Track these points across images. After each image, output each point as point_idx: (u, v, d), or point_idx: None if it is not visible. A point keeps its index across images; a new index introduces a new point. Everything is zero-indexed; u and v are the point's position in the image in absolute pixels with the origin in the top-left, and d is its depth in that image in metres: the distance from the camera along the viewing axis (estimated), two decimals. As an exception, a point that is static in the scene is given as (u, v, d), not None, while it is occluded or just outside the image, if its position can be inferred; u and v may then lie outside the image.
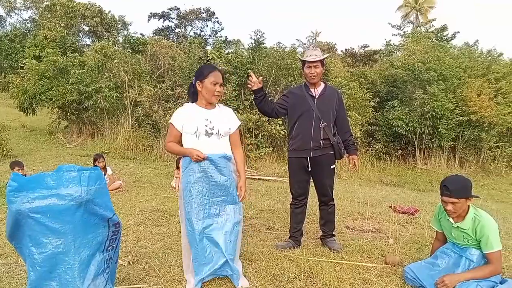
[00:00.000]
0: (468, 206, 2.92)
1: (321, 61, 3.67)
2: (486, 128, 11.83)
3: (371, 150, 12.01)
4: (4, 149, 8.89)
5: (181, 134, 2.92)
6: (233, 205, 2.96)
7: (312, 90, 3.73)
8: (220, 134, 2.91)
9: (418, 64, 12.12)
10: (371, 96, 11.99)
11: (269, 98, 3.76)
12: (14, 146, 9.66)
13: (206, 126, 2.87)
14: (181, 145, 2.95)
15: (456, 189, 2.83)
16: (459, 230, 2.96)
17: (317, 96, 3.71)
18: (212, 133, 2.88)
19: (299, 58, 4.30)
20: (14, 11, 25.34)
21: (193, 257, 2.87)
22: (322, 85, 3.79)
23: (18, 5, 24.87)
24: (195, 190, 2.81)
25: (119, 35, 18.45)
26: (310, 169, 3.71)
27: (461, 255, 2.99)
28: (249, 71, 3.70)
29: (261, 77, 3.62)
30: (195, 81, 2.95)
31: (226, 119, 2.99)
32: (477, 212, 2.93)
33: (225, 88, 10.26)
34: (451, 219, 2.97)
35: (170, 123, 2.94)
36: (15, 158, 8.18)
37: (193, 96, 3.00)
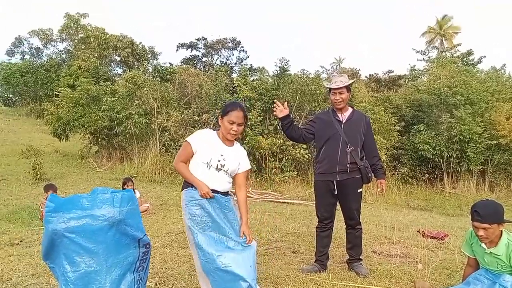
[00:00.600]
0: (501, 231, 2.84)
1: (347, 87, 3.73)
2: (517, 152, 11.50)
3: (397, 173, 11.83)
4: (38, 172, 9.28)
5: (192, 154, 2.92)
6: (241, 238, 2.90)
7: (339, 115, 3.78)
8: (228, 173, 2.94)
9: (444, 89, 12.01)
10: (396, 120, 11.91)
11: (295, 123, 3.84)
12: (48, 170, 10.06)
13: (219, 162, 2.89)
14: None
15: (487, 214, 2.75)
16: (492, 256, 2.88)
17: (344, 121, 3.76)
18: (221, 169, 2.90)
19: (324, 85, 4.37)
20: (50, 43, 26.70)
21: (212, 284, 2.80)
22: (350, 110, 3.85)
23: (54, 37, 26.22)
24: (203, 223, 2.79)
25: (149, 64, 19.16)
26: (336, 193, 3.71)
27: (495, 281, 2.90)
28: (274, 99, 3.78)
29: (286, 103, 3.70)
30: (218, 115, 3.04)
31: (239, 160, 3.01)
32: (511, 237, 2.85)
33: (250, 113, 10.46)
34: (483, 245, 2.89)
35: (187, 141, 2.94)
36: (48, 181, 8.49)
37: (217, 126, 3.07)
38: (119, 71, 24.09)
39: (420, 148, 11.47)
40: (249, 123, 10.33)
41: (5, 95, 25.47)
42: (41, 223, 5.91)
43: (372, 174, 3.82)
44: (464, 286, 3.06)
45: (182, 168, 2.91)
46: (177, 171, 3.03)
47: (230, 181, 3.01)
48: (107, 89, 11.98)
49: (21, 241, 4.97)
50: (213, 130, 3.08)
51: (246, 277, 2.74)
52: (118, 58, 23.96)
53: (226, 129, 2.91)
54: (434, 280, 3.65)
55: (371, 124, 4.18)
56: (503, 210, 2.84)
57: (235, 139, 3.05)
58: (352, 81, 3.83)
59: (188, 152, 2.92)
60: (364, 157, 3.79)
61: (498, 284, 2.86)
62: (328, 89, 3.85)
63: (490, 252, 2.87)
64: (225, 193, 2.92)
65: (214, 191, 2.82)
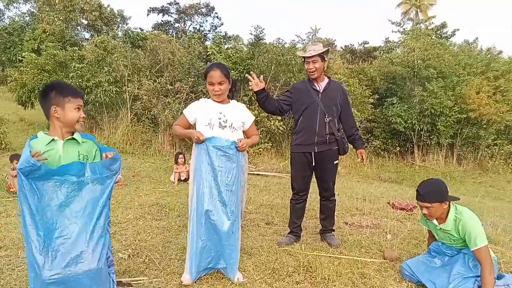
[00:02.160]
0: (449, 207, 2.93)
1: (321, 56, 3.63)
2: (485, 126, 11.90)
3: (370, 146, 12.05)
4: (3, 142, 8.90)
5: (191, 125, 3.01)
6: (236, 196, 2.95)
7: (316, 84, 3.72)
8: (234, 128, 2.97)
9: (417, 61, 12.15)
10: (370, 93, 12.01)
11: (271, 96, 3.77)
12: (13, 140, 9.66)
13: (220, 119, 2.93)
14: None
15: (428, 194, 2.85)
16: (443, 231, 2.99)
17: (321, 91, 3.70)
18: (225, 126, 2.94)
19: (299, 55, 4.28)
20: (12, 4, 25.21)
21: (190, 243, 2.87)
22: (326, 79, 3.78)
23: (17, -2, 24.76)
24: (206, 172, 2.84)
25: (119, 29, 18.39)
26: (314, 164, 3.71)
27: (459, 251, 3.01)
28: (249, 69, 3.69)
29: (261, 76, 3.62)
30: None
31: (240, 114, 3.05)
32: (458, 211, 2.92)
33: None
34: (434, 221, 2.99)
35: (183, 113, 3.03)
36: (14, 151, 8.17)
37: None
38: (87, 35, 23.02)
39: (392, 121, 11.67)
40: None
41: (-36, 60, 24.02)
42: (8, 194, 5.71)
43: (348, 145, 3.83)
44: (429, 257, 3.17)
45: (177, 128, 3.05)
46: (175, 134, 3.17)
47: (239, 137, 3.01)
48: (75, 54, 11.43)
49: (-14, 214, 4.78)
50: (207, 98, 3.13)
51: (224, 239, 2.89)
52: (85, 22, 22.85)
53: (210, 91, 2.99)
54: (402, 250, 3.77)
55: (348, 95, 4.14)
56: (445, 188, 2.90)
57: (229, 98, 3.10)
58: (325, 49, 3.70)
59: (183, 122, 3.04)
60: (341, 128, 3.78)
61: (462, 253, 2.97)
62: (303, 59, 3.77)
63: (441, 228, 2.97)
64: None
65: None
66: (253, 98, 10.46)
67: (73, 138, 2.32)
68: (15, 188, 5.72)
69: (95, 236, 2.27)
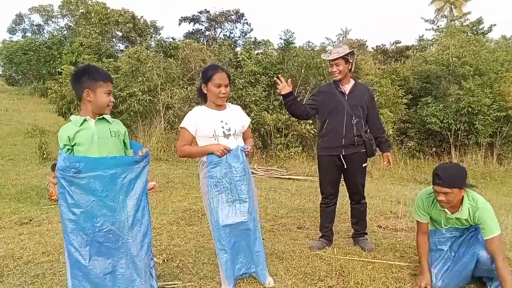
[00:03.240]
0: (463, 196, 2.78)
1: (344, 58, 3.59)
2: (526, 124, 11.35)
3: (404, 148, 11.75)
4: (44, 152, 9.33)
5: (193, 138, 2.89)
6: (253, 202, 2.94)
7: (341, 87, 3.69)
8: (237, 134, 2.91)
9: (452, 59, 11.77)
10: (404, 93, 11.73)
11: (299, 100, 3.74)
12: (54, 150, 10.10)
13: (223, 128, 2.84)
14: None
15: (448, 178, 2.66)
16: (459, 220, 2.86)
17: (347, 93, 3.67)
18: (229, 134, 2.86)
19: (322, 58, 4.23)
20: (51, 20, 26.46)
21: (219, 253, 2.86)
22: (352, 81, 3.75)
23: (55, 14, 25.94)
24: (222, 186, 2.80)
25: (152, 39, 18.94)
26: (343, 167, 3.66)
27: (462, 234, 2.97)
28: (279, 73, 3.69)
29: (289, 80, 3.59)
30: (201, 84, 2.94)
31: (239, 117, 2.98)
32: (472, 199, 2.80)
33: (254, 88, 10.34)
34: (447, 210, 2.83)
35: (183, 127, 2.86)
36: (55, 160, 8.53)
37: (202, 98, 2.99)
38: (122, 47, 23.84)
39: (427, 121, 11.34)
40: (253, 98, 10.23)
41: (8, 74, 25.39)
42: (50, 202, 5.98)
43: (377, 147, 3.77)
44: (435, 253, 3.06)
45: (188, 148, 2.87)
46: (185, 155, 2.98)
47: (241, 142, 2.99)
48: (110, 65, 11.86)
49: (30, 220, 5.04)
50: (201, 105, 3.00)
51: (251, 246, 2.90)
52: (120, 34, 23.68)
53: (215, 94, 2.83)
54: (439, 254, 3.66)
55: (375, 96, 4.09)
56: (465, 174, 2.74)
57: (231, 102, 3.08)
58: (349, 51, 3.64)
59: (187, 138, 2.86)
60: (368, 130, 3.73)
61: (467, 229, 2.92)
62: (328, 61, 3.75)
63: (456, 217, 2.84)
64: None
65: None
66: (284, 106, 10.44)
67: (104, 118, 2.47)
68: (56, 196, 6.00)
69: (135, 228, 2.41)
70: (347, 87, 3.69)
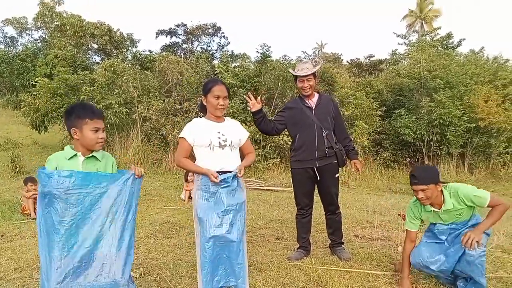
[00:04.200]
0: (441, 190, 3.01)
1: (314, 74, 3.73)
2: (495, 134, 11.80)
3: (379, 158, 12.00)
4: (17, 165, 9.07)
5: (191, 147, 2.94)
6: (241, 214, 2.95)
7: (307, 101, 3.79)
8: (233, 146, 2.95)
9: (424, 73, 12.18)
10: (378, 105, 12.02)
11: (267, 118, 3.81)
12: (27, 163, 9.85)
13: (219, 138, 2.90)
14: (192, 158, 2.99)
15: (423, 176, 2.93)
16: (447, 212, 3.03)
17: (314, 107, 3.77)
18: (225, 145, 2.91)
19: (290, 73, 4.34)
20: (25, 32, 25.98)
21: (202, 265, 2.86)
22: (316, 95, 3.86)
23: (29, 26, 25.49)
24: (213, 200, 2.85)
25: (128, 52, 18.79)
26: (317, 179, 3.74)
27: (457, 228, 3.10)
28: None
29: (259, 97, 3.68)
30: (202, 95, 3.04)
31: (236, 131, 3.04)
32: (449, 188, 3.02)
33: (232, 101, 10.39)
34: (435, 209, 3.04)
35: (182, 137, 2.93)
36: (28, 174, 8.33)
37: (203, 111, 3.08)
38: (97, 59, 23.54)
39: (401, 132, 11.64)
40: (231, 111, 10.28)
41: (-20, 86, 24.67)
42: (22, 217, 5.81)
43: (346, 156, 3.87)
44: (432, 240, 3.20)
45: (187, 163, 2.93)
46: (182, 167, 3.04)
47: (238, 156, 3.01)
48: (86, 78, 11.69)
49: (2, 236, 4.87)
50: (200, 117, 3.08)
51: (233, 259, 2.88)
52: (96, 46, 23.40)
53: (213, 105, 2.92)
54: (414, 262, 3.74)
55: (351, 109, 4.22)
56: (437, 171, 3.05)
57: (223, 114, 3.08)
58: (317, 67, 3.86)
59: (186, 147, 2.92)
60: (336, 140, 3.83)
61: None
62: (294, 76, 3.83)
63: (444, 210, 3.02)
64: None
65: (224, 172, 2.85)
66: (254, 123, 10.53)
67: (93, 156, 2.44)
68: (29, 210, 5.83)
69: (120, 247, 2.38)
70: (313, 101, 3.80)
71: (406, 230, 3.28)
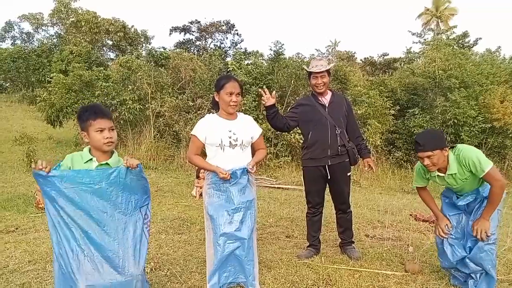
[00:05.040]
0: (448, 154, 2.94)
1: (327, 71, 3.72)
2: (511, 135, 11.57)
3: (392, 158, 11.88)
4: (32, 160, 9.23)
5: (203, 145, 2.96)
6: (251, 211, 2.96)
7: (320, 99, 3.78)
8: (244, 145, 2.94)
9: (439, 72, 12.00)
10: (391, 104, 11.89)
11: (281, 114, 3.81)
12: (42, 157, 9.99)
13: (230, 138, 2.90)
14: (204, 155, 3.01)
15: (427, 142, 2.86)
16: (452, 177, 2.98)
17: (327, 104, 3.76)
18: (236, 145, 2.91)
19: (305, 69, 4.33)
20: (41, 28, 26.33)
21: (212, 261, 2.89)
22: (330, 93, 3.85)
23: (45, 22, 25.84)
24: (223, 197, 2.88)
25: (142, 49, 18.93)
26: (329, 178, 3.73)
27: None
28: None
29: (274, 92, 3.67)
30: (214, 91, 3.04)
31: (248, 128, 3.02)
32: (455, 150, 2.96)
33: (244, 98, 10.40)
34: (440, 174, 2.99)
35: (193, 134, 2.95)
36: (43, 168, 8.43)
37: (215, 107, 3.08)
38: (112, 55, 23.83)
39: (414, 132, 11.49)
40: (243, 108, 10.30)
41: (-3, 81, 25.18)
42: (37, 210, 5.92)
43: (358, 155, 3.85)
44: (449, 207, 3.25)
45: (197, 160, 2.95)
46: (194, 164, 3.07)
47: (249, 155, 3.00)
48: (100, 74, 11.83)
49: (16, 229, 4.97)
50: (213, 113, 3.08)
51: (244, 256, 2.87)
52: (111, 43, 23.67)
53: (226, 102, 2.91)
54: (424, 263, 3.72)
55: (364, 107, 4.20)
56: (442, 135, 2.97)
57: (236, 111, 3.07)
58: (332, 64, 3.86)
59: (197, 145, 2.95)
60: (348, 139, 3.81)
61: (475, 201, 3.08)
62: (308, 73, 3.83)
63: (449, 174, 2.97)
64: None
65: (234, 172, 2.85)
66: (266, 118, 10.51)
67: (107, 163, 2.39)
68: (43, 204, 5.94)
69: (130, 243, 2.37)
70: (326, 99, 3.79)
71: (417, 187, 3.36)
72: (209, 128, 2.92)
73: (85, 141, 2.39)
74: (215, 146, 2.90)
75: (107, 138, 2.33)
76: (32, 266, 3.55)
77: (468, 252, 3.01)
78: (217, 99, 3.00)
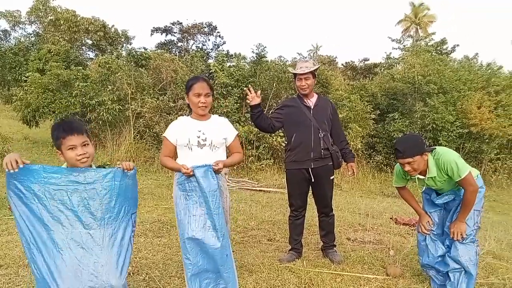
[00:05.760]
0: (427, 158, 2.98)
1: (312, 73, 3.69)
2: (487, 140, 11.87)
3: (372, 161, 12.02)
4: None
5: (175, 147, 2.88)
6: (223, 219, 2.79)
7: (306, 101, 3.76)
8: (214, 145, 2.84)
9: (418, 77, 12.22)
10: (372, 109, 12.06)
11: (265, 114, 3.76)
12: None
13: (199, 138, 2.81)
14: (176, 158, 2.93)
15: (407, 149, 2.88)
16: (431, 179, 3.03)
17: (312, 107, 3.74)
18: (204, 145, 2.81)
19: (290, 71, 4.30)
20: (18, 26, 25.66)
21: (186, 266, 2.77)
22: (315, 96, 3.83)
23: (22, 20, 25.20)
24: (191, 199, 2.75)
25: (122, 49, 18.65)
26: (312, 181, 3.70)
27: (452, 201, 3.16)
28: (248, 86, 3.67)
29: (259, 91, 3.61)
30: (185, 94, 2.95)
31: (222, 130, 2.92)
32: (435, 154, 2.99)
33: (226, 100, 10.35)
34: (420, 176, 3.03)
35: (164, 136, 2.89)
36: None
37: (189, 109, 2.99)
38: (91, 55, 23.40)
39: (394, 136, 11.66)
40: (225, 110, 10.24)
41: (-29, 80, 24.34)
42: (10, 212, 5.71)
43: (342, 159, 3.84)
44: (430, 203, 3.31)
45: (165, 160, 2.88)
46: (164, 166, 2.96)
47: (221, 155, 2.88)
48: (79, 74, 11.57)
49: (-13, 232, 4.78)
50: (187, 115, 3.01)
51: (219, 264, 2.74)
52: (90, 42, 23.25)
53: (194, 103, 2.83)
54: (405, 266, 3.74)
55: (345, 111, 4.20)
56: (422, 140, 3.00)
57: (210, 112, 2.98)
58: (317, 66, 3.80)
59: (168, 146, 2.88)
60: (333, 143, 3.80)
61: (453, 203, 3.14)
62: (293, 75, 3.80)
63: (429, 178, 3.01)
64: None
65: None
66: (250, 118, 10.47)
67: None
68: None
69: (115, 250, 2.28)
70: (312, 101, 3.77)
71: (396, 187, 3.43)
72: (179, 130, 2.85)
73: (61, 159, 2.28)
74: (183, 146, 2.83)
75: (80, 155, 2.23)
76: (4, 271, 3.41)
77: (447, 249, 3.11)
78: (187, 101, 2.91)
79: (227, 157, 2.96)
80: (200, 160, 2.75)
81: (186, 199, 2.75)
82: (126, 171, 2.32)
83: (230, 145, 2.96)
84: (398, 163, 3.17)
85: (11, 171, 2.06)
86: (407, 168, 2.91)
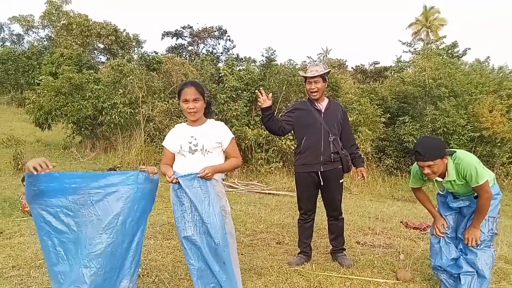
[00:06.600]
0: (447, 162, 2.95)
1: (323, 77, 3.69)
2: (499, 144, 11.73)
3: (382, 165, 11.94)
4: (20, 162, 9.08)
5: (174, 154, 2.87)
6: (216, 227, 2.70)
7: (317, 104, 3.76)
8: (206, 150, 2.78)
9: (429, 81, 12.14)
10: (382, 112, 11.99)
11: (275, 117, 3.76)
12: (29, 160, 9.84)
13: (190, 143, 2.77)
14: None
15: (428, 152, 2.82)
16: (449, 183, 3.01)
17: (323, 110, 3.74)
18: (196, 150, 2.77)
19: (300, 75, 4.31)
20: (31, 30, 26.09)
21: (191, 272, 2.76)
22: (326, 100, 3.83)
23: (35, 24, 25.62)
24: (184, 206, 2.74)
25: (134, 53, 18.84)
26: (322, 184, 3.70)
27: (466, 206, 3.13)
28: (260, 88, 3.67)
29: (270, 94, 3.60)
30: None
31: (216, 134, 2.84)
32: (456, 158, 2.95)
33: (236, 104, 10.39)
34: (438, 178, 3.00)
35: (163, 145, 2.92)
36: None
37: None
38: (103, 59, 23.69)
39: (405, 139, 11.59)
40: (235, 113, 10.27)
41: (-15, 83, 24.79)
42: (22, 214, 5.79)
43: (352, 163, 3.83)
44: (445, 207, 3.30)
45: (162, 168, 2.88)
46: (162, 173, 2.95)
47: (215, 160, 2.80)
48: (90, 77, 11.73)
49: (1, 233, 4.85)
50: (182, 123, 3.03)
51: (216, 268, 2.71)
52: (102, 46, 23.54)
53: (184, 110, 2.82)
54: (415, 270, 3.70)
55: (355, 114, 4.19)
56: (443, 143, 2.96)
57: (214, 116, 3.01)
58: (327, 70, 3.79)
59: (167, 155, 2.90)
60: (342, 147, 3.79)
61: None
62: (304, 78, 3.81)
63: (447, 181, 2.99)
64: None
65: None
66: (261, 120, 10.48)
67: None
68: (29, 208, 5.81)
69: (131, 254, 2.32)
70: (322, 105, 3.76)
71: (412, 188, 3.43)
72: (174, 137, 2.86)
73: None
74: (176, 153, 2.83)
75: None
76: (16, 272, 3.45)
77: (460, 253, 3.09)
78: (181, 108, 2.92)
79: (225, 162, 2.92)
80: (193, 166, 2.72)
81: (180, 205, 2.76)
82: (151, 175, 2.35)
83: (226, 149, 2.86)
84: (415, 164, 3.15)
85: (41, 172, 2.11)
86: (427, 171, 2.88)
